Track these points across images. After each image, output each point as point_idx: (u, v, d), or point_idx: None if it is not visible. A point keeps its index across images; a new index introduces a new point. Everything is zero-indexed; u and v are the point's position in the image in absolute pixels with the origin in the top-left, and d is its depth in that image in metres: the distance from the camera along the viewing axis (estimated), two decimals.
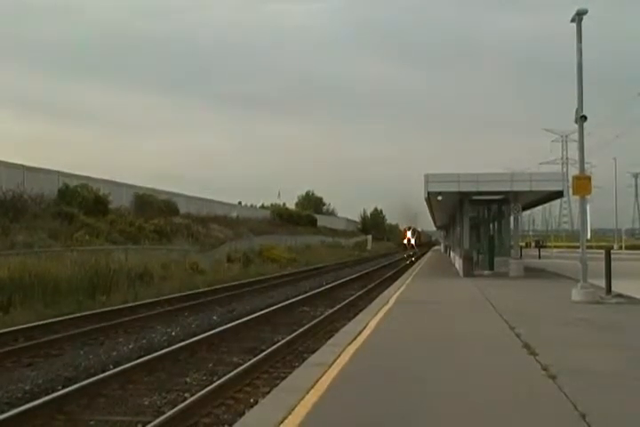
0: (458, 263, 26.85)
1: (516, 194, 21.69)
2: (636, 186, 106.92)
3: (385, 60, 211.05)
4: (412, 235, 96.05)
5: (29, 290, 14.52)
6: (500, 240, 26.04)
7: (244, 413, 5.96)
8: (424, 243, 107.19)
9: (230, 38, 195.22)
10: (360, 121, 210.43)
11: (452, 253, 40.86)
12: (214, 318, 14.18)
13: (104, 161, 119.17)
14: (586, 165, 14.89)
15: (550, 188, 20.92)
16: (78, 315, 13.33)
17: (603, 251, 14.89)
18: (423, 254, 59.25)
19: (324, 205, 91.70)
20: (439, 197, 22.53)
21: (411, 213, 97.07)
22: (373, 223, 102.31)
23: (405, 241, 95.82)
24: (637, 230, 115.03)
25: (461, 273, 22.57)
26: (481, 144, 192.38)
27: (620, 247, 60.09)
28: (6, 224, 20.34)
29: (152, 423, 5.76)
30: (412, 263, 39.80)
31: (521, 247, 30.68)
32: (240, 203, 58.21)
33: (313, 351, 8.52)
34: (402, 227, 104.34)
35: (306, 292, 20.06)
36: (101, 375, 7.73)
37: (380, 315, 10.83)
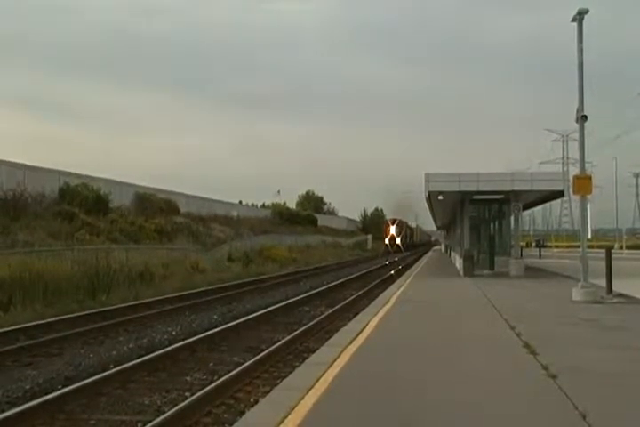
0: (458, 263, 26.84)
1: (517, 193, 21.69)
2: (637, 185, 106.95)
3: (385, 59, 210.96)
4: (398, 231, 67.37)
5: (30, 289, 14.53)
6: (500, 240, 26.03)
7: (244, 412, 5.97)
8: (420, 243, 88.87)
9: (230, 38, 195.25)
10: (360, 120, 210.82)
11: (452, 253, 40.84)
12: (215, 317, 14.18)
13: (105, 160, 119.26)
14: (586, 165, 14.89)
15: (551, 187, 20.91)
16: (79, 314, 13.34)
17: (603, 250, 14.87)
18: (419, 258, 46.90)
19: (324, 204, 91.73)
20: (440, 197, 22.52)
21: (407, 210, 78.51)
22: (374, 223, 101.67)
23: (387, 240, 67.04)
24: (638, 230, 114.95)
25: (462, 273, 22.56)
26: (481, 144, 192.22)
27: (621, 247, 60.04)
28: (7, 223, 20.36)
29: (152, 423, 5.76)
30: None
31: (521, 247, 30.66)
32: (240, 202, 58.33)
33: (313, 351, 8.51)
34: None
35: (306, 291, 20.06)
36: (102, 374, 7.73)
37: (381, 314, 10.82)
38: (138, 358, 8.93)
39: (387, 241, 67.13)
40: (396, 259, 44.58)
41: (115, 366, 8.40)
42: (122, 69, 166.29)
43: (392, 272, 29.10)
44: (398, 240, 66.89)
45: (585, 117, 13.81)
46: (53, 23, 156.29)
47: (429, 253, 59.93)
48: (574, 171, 21.82)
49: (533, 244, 71.00)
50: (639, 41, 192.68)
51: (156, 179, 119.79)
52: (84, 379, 7.56)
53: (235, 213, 45.68)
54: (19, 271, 14.89)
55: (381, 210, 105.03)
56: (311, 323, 12.34)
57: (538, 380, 5.78)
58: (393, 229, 67.11)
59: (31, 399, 6.75)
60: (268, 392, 6.18)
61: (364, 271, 31.62)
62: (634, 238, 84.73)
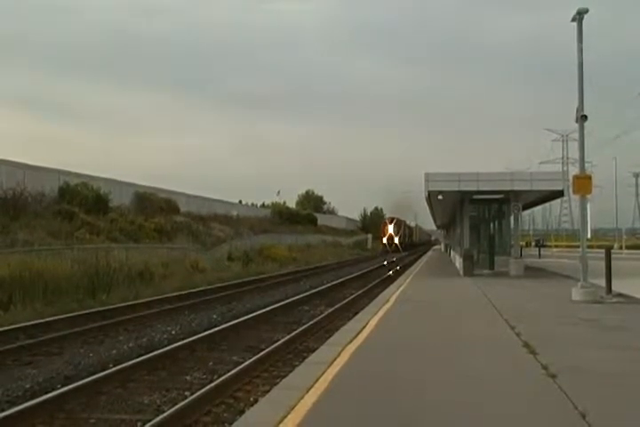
0: (458, 262, 26.85)
1: (517, 193, 21.69)
2: (637, 185, 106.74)
3: (385, 59, 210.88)
4: (396, 230, 65.60)
5: (30, 288, 14.54)
6: (500, 239, 26.04)
7: (243, 411, 5.97)
8: (419, 242, 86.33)
9: (230, 38, 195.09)
10: (360, 120, 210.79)
11: (452, 253, 40.84)
12: (214, 316, 14.19)
13: (105, 160, 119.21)
14: (586, 165, 14.89)
15: (551, 187, 20.90)
16: (78, 313, 13.34)
17: (603, 250, 14.87)
18: (419, 258, 45.87)
19: (324, 203, 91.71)
20: (440, 197, 22.52)
21: (406, 209, 77.70)
22: (374, 222, 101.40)
23: (385, 240, 65.68)
24: (638, 230, 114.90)
25: (462, 272, 22.56)
26: (481, 144, 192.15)
27: (621, 247, 60.02)
28: (7, 222, 20.35)
29: (152, 422, 5.76)
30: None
31: (521, 247, 30.66)
32: (240, 202, 58.30)
33: (313, 350, 8.52)
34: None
35: (306, 291, 20.07)
36: (101, 374, 7.74)
37: (381, 314, 10.82)
38: (137, 357, 8.94)
39: (384, 240, 65.35)
40: (394, 259, 44.29)
41: (114, 366, 8.41)
42: (122, 69, 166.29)
43: (391, 272, 29.12)
44: (396, 240, 65.01)
45: (585, 117, 13.82)
46: (53, 23, 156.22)
47: (429, 253, 59.78)
48: (574, 171, 21.86)
49: (533, 243, 70.91)
50: (639, 41, 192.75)
51: (156, 179, 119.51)
52: (84, 378, 7.57)
53: (234, 213, 45.68)
54: (19, 270, 14.89)
55: (381, 209, 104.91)
56: (311, 322, 12.35)
57: (538, 380, 5.79)
58: (391, 229, 65.31)
59: (31, 398, 6.75)
60: (268, 392, 6.18)
61: (364, 271, 31.62)
62: (633, 238, 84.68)
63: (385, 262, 38.25)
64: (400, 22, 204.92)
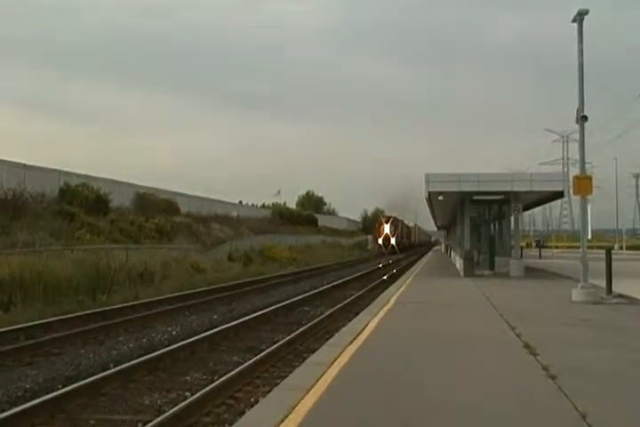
0: (458, 263, 26.85)
1: (517, 194, 21.71)
2: (637, 186, 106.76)
3: (385, 60, 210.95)
4: (393, 231, 62.00)
5: (30, 289, 14.54)
6: (500, 240, 26.05)
7: (244, 412, 5.97)
8: (418, 243, 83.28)
9: (230, 38, 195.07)
10: (360, 120, 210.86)
11: (452, 253, 40.83)
12: (215, 317, 14.19)
13: (105, 160, 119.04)
14: (586, 166, 14.89)
15: (551, 188, 20.93)
16: (79, 314, 13.34)
17: (603, 251, 14.87)
18: (419, 259, 44.90)
19: (324, 204, 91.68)
20: (440, 197, 22.53)
21: (405, 209, 75.36)
22: (374, 223, 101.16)
23: (381, 240, 61.99)
24: (638, 230, 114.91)
25: (462, 273, 22.57)
26: (481, 144, 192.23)
27: (621, 247, 60.11)
28: (7, 223, 20.34)
29: (152, 422, 5.76)
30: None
31: (521, 247, 30.66)
32: (241, 202, 58.24)
33: (313, 351, 8.52)
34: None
35: (306, 291, 20.06)
36: (102, 374, 7.73)
37: (381, 315, 10.82)
38: (138, 357, 8.94)
39: (380, 241, 62.04)
40: (390, 261, 43.67)
41: (115, 366, 8.41)
42: (122, 69, 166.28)
43: (392, 273, 29.11)
44: (393, 240, 61.70)
45: (585, 118, 13.82)
46: (53, 23, 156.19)
47: (429, 254, 59.58)
48: (574, 171, 21.86)
49: (533, 244, 70.90)
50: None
51: (156, 179, 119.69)
52: (85, 379, 7.56)
53: (235, 213, 45.67)
54: (19, 271, 14.88)
55: (382, 211, 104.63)
56: (311, 323, 12.34)
57: (538, 380, 5.78)
58: (387, 229, 61.78)
59: (31, 399, 6.75)
60: (269, 392, 6.18)
61: (364, 272, 31.61)
62: (634, 239, 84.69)
63: (380, 265, 37.71)
64: (400, 22, 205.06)
